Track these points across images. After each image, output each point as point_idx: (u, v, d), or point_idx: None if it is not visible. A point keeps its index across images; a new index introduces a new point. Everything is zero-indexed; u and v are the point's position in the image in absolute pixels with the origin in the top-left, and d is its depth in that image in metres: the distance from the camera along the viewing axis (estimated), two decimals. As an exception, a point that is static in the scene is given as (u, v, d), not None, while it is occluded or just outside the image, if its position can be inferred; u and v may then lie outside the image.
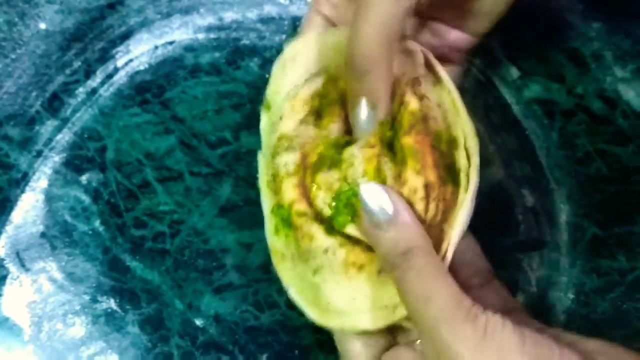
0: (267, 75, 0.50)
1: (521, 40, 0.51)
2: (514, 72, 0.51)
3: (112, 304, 0.45)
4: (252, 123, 0.49)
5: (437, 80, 0.42)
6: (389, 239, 0.36)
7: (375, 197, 0.37)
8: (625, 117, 0.50)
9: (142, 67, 0.50)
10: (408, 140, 0.40)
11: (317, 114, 0.43)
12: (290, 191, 0.41)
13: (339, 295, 0.39)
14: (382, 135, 0.41)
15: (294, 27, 0.52)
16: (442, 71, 0.42)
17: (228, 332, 0.46)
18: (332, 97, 0.42)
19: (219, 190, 0.48)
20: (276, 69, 0.44)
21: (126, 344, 0.44)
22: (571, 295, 0.47)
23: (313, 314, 0.39)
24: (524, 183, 0.49)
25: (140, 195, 0.48)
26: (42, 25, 0.51)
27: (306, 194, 0.41)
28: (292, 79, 0.44)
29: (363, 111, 0.40)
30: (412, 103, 0.41)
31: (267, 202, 0.43)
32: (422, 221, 0.38)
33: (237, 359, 0.46)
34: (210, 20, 0.51)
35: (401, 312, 0.38)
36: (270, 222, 0.42)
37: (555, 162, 0.49)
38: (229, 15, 0.51)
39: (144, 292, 0.45)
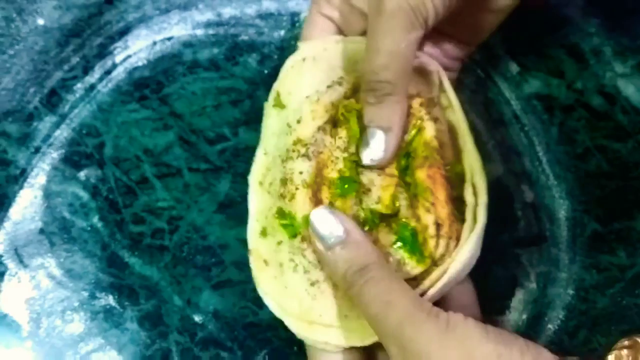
0: (265, 71, 0.50)
1: (521, 36, 0.51)
2: (514, 68, 0.51)
3: (110, 300, 0.45)
4: (250, 119, 0.49)
5: (449, 103, 0.43)
6: (343, 260, 0.37)
7: (324, 222, 0.38)
8: (624, 112, 0.50)
9: (140, 63, 0.50)
10: (421, 175, 0.40)
11: (333, 123, 0.43)
12: (306, 203, 0.41)
13: (332, 310, 0.40)
14: (397, 163, 0.41)
15: (293, 22, 0.52)
16: (453, 95, 0.42)
17: (227, 328, 0.46)
18: (353, 107, 0.42)
19: (218, 186, 0.48)
20: (290, 67, 0.44)
21: (125, 340, 0.44)
22: (571, 291, 0.47)
23: (294, 325, 0.40)
24: (523, 179, 0.49)
25: (138, 191, 0.48)
26: (40, 21, 0.51)
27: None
28: (311, 82, 0.44)
29: (379, 137, 0.40)
30: (429, 129, 0.41)
31: (258, 202, 0.43)
32: (431, 258, 0.39)
33: (236, 355, 0.46)
34: (208, 16, 0.51)
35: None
36: (256, 223, 0.42)
37: (555, 157, 0.49)
38: (228, 11, 0.51)
39: (142, 288, 0.45)
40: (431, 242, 0.39)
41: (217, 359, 0.46)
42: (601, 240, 0.47)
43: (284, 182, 0.42)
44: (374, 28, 0.38)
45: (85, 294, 0.45)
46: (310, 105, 0.43)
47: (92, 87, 0.50)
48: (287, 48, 0.51)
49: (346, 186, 0.41)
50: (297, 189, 0.41)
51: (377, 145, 0.40)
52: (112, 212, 0.47)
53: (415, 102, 0.42)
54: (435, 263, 0.39)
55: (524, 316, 0.46)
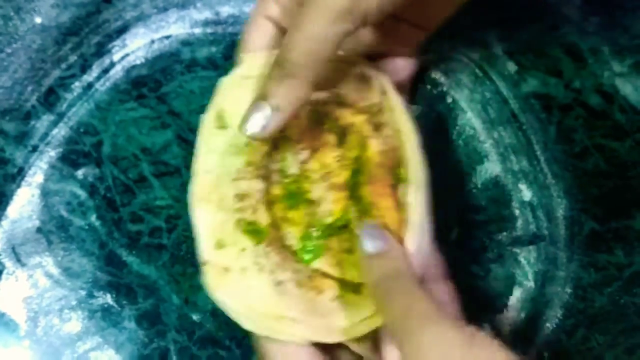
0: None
1: (519, 35, 0.51)
2: (512, 67, 0.51)
3: (108, 299, 0.45)
4: (249, 118, 0.49)
5: (393, 106, 0.43)
6: (378, 266, 0.39)
7: (372, 238, 0.39)
8: (622, 111, 0.50)
9: (138, 62, 0.50)
10: (366, 191, 0.42)
11: (274, 145, 0.44)
12: (266, 216, 0.42)
13: (299, 307, 0.41)
14: (347, 180, 0.43)
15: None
16: (397, 98, 0.43)
17: (225, 327, 0.46)
18: (292, 131, 0.43)
19: (216, 185, 0.48)
20: (232, 85, 0.44)
21: (123, 339, 0.44)
22: (569, 290, 0.47)
23: (262, 320, 0.41)
24: (521, 177, 0.49)
25: (136, 190, 0.47)
26: (38, 20, 0.51)
27: (274, 223, 0.42)
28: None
29: (262, 113, 0.40)
30: (373, 146, 0.43)
31: (208, 218, 0.43)
32: None
33: (234, 354, 0.46)
34: (207, 14, 0.51)
35: (353, 333, 0.40)
36: (209, 238, 0.42)
37: (553, 156, 0.49)
38: (226, 10, 0.51)
39: (140, 287, 0.45)
40: None
41: (216, 358, 0.46)
42: (599, 239, 0.48)
43: (241, 197, 0.43)
44: (303, 11, 0.38)
45: (83, 292, 0.45)
46: None
47: (90, 85, 0.50)
48: (285, 47, 0.51)
49: (293, 201, 0.43)
50: (257, 201, 0.43)
51: (257, 119, 0.40)
52: (110, 211, 0.47)
53: (360, 119, 0.43)
54: None
55: (522, 315, 0.46)
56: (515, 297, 0.46)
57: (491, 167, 0.49)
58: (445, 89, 0.51)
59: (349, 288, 0.41)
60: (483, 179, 0.49)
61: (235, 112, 0.43)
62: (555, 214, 0.48)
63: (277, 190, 0.43)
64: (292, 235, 0.43)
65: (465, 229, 0.48)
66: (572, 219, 0.48)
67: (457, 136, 0.50)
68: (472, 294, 0.46)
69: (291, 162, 0.44)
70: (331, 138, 0.44)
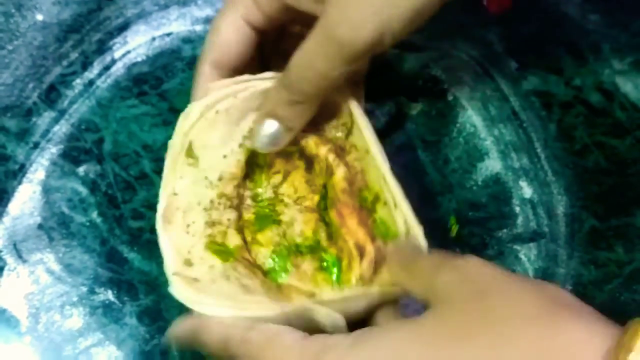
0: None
1: (519, 33, 0.51)
2: (512, 65, 0.51)
3: (109, 295, 0.45)
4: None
5: (360, 128, 0.44)
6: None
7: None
8: (623, 109, 0.50)
9: (139, 59, 0.51)
10: (334, 215, 0.44)
11: (245, 175, 0.45)
12: (236, 240, 0.44)
13: (264, 303, 0.41)
14: (317, 203, 0.45)
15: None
16: (364, 122, 0.44)
17: (226, 323, 0.46)
18: (261, 162, 0.45)
19: (217, 182, 0.48)
20: (202, 117, 0.44)
21: (124, 335, 0.44)
22: (569, 287, 0.47)
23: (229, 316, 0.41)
24: (521, 175, 0.49)
25: (137, 186, 0.48)
26: (39, 17, 0.51)
27: (244, 246, 0.44)
28: (225, 138, 0.45)
29: (276, 128, 0.42)
30: (339, 172, 0.44)
31: (175, 239, 0.43)
32: (365, 281, 0.42)
33: (235, 350, 0.46)
34: (207, 11, 0.51)
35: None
36: (177, 256, 0.42)
37: (553, 154, 0.49)
38: (227, 7, 0.51)
39: (142, 283, 0.46)
40: (357, 265, 0.42)
41: (216, 354, 0.46)
42: (599, 237, 0.48)
43: (211, 224, 0.44)
44: (317, 43, 0.38)
45: (84, 289, 0.45)
46: (228, 167, 0.45)
47: (91, 82, 0.50)
48: (286, 44, 0.51)
49: (262, 223, 0.45)
50: (227, 227, 0.44)
51: (269, 137, 0.42)
52: (111, 208, 0.47)
53: (323, 150, 0.44)
54: (371, 278, 0.42)
55: (523, 312, 0.46)
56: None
57: (492, 165, 0.49)
58: (445, 86, 0.51)
59: (319, 302, 0.41)
60: (483, 176, 0.49)
61: (205, 146, 0.44)
62: (556, 211, 0.48)
63: (248, 216, 0.45)
64: (262, 255, 0.44)
65: (466, 226, 0.48)
66: (572, 216, 0.48)
67: (457, 133, 0.50)
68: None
69: (265, 186, 0.45)
70: (300, 163, 0.46)
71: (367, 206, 0.45)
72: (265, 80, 0.44)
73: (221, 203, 0.45)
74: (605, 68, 0.51)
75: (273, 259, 0.44)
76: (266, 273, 0.44)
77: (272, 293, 0.42)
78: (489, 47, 0.51)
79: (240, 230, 0.45)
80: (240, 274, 0.43)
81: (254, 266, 0.44)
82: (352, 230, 0.44)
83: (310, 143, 0.45)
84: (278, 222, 0.45)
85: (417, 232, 0.44)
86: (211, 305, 0.41)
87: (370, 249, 0.43)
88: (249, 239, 0.45)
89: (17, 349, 0.44)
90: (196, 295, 0.41)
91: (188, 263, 0.43)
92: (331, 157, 0.45)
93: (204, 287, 0.42)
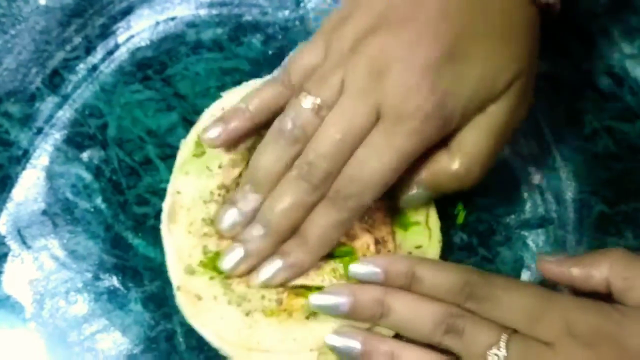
0: (269, 52, 0.51)
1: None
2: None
3: (114, 281, 0.46)
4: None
5: None
6: None
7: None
8: (632, 93, 0.50)
9: (143, 44, 0.51)
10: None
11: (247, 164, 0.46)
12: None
13: (268, 336, 0.42)
14: None
15: (297, 3, 0.52)
16: None
17: (232, 309, 0.46)
18: None
19: (222, 167, 0.48)
20: (211, 115, 0.47)
21: (129, 321, 0.45)
22: (577, 273, 0.47)
23: (234, 352, 0.42)
24: (530, 160, 0.49)
25: (142, 172, 0.48)
26: (42, 1, 0.51)
27: None
28: None
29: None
30: None
31: (178, 240, 0.44)
32: None
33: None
34: (211, -5, 0.52)
35: (323, 358, 0.42)
36: (179, 262, 0.44)
37: (562, 139, 0.49)
38: (231, -9, 0.51)
39: (146, 269, 0.46)
40: None
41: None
42: (608, 222, 0.48)
43: (208, 222, 0.45)
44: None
45: (89, 275, 0.46)
46: (229, 154, 0.46)
47: (94, 67, 0.50)
48: (291, 28, 0.52)
49: None
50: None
51: (272, 270, 0.43)
52: (116, 194, 0.47)
53: None
54: None
55: (531, 298, 0.46)
56: (524, 280, 0.47)
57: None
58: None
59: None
60: (491, 162, 0.49)
61: None
62: (564, 196, 0.48)
63: None
64: None
65: (473, 212, 0.48)
66: (581, 202, 0.48)
67: (465, 119, 0.50)
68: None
69: None
70: None
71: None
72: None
73: (220, 195, 0.45)
74: (615, 52, 0.51)
75: None
76: None
77: (274, 315, 0.43)
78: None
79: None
80: (236, 295, 0.43)
81: (250, 271, 0.44)
82: (378, 222, 0.45)
83: None
84: None
85: (436, 219, 0.45)
86: (212, 335, 0.43)
87: (392, 246, 0.45)
88: None
89: (22, 335, 0.45)
90: (198, 318, 0.43)
91: (190, 271, 0.44)
92: None
93: (206, 311, 0.43)
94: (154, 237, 0.46)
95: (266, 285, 0.43)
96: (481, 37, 0.40)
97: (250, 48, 0.51)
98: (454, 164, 0.42)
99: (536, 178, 0.49)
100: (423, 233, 0.45)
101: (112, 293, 0.45)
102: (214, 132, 0.45)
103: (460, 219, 0.48)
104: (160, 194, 0.47)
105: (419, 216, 0.46)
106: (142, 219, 0.47)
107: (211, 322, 0.43)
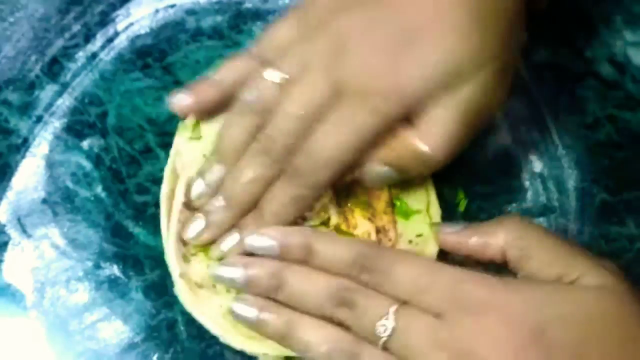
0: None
1: (530, 4, 0.51)
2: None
3: (115, 270, 0.46)
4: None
5: None
6: None
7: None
8: (635, 82, 0.50)
9: (143, 31, 0.51)
10: (356, 188, 0.45)
11: None
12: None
13: None
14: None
15: (298, -10, 0.52)
16: None
17: (233, 298, 0.46)
18: None
19: (222, 156, 0.48)
20: None
21: (130, 310, 0.45)
22: (579, 262, 0.47)
23: (233, 339, 0.42)
24: (531, 149, 0.49)
25: (142, 161, 0.48)
26: (41, -12, 0.51)
27: None
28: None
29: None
30: None
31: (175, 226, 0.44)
32: None
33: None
34: (211, -18, 0.51)
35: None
36: (177, 249, 0.44)
37: (564, 127, 0.49)
38: (231, -22, 0.51)
39: (147, 258, 0.46)
40: None
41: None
42: (610, 211, 0.48)
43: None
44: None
45: (90, 263, 0.46)
46: None
47: (94, 55, 0.50)
48: (292, 16, 0.51)
49: None
50: None
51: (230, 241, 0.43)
52: (116, 182, 0.47)
53: None
54: None
55: (532, 287, 0.46)
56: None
57: (501, 138, 0.49)
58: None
59: None
60: (493, 150, 0.49)
61: (210, 124, 0.45)
62: (566, 185, 0.48)
63: None
64: None
65: (474, 201, 0.48)
66: (583, 191, 0.48)
67: (466, 107, 0.50)
68: (481, 267, 0.46)
69: None
70: None
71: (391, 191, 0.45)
72: None
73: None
74: (618, 40, 0.51)
75: None
76: None
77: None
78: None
79: None
80: None
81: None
82: (379, 211, 0.45)
83: None
84: None
85: (436, 207, 0.45)
86: (211, 323, 0.43)
87: (393, 235, 0.45)
88: None
89: (22, 324, 0.45)
90: (197, 306, 0.43)
91: (185, 259, 0.44)
92: None
93: (205, 300, 0.43)
94: (155, 225, 0.46)
95: (224, 257, 0.43)
96: (448, 19, 0.40)
97: (250, 36, 0.51)
98: (418, 143, 0.41)
99: (538, 166, 0.49)
100: (424, 221, 0.46)
101: (112, 282, 0.46)
102: (182, 99, 0.45)
103: (462, 207, 0.48)
104: (161, 182, 0.47)
105: (420, 205, 0.46)
106: (143, 208, 0.47)
107: (211, 310, 0.43)
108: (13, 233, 0.46)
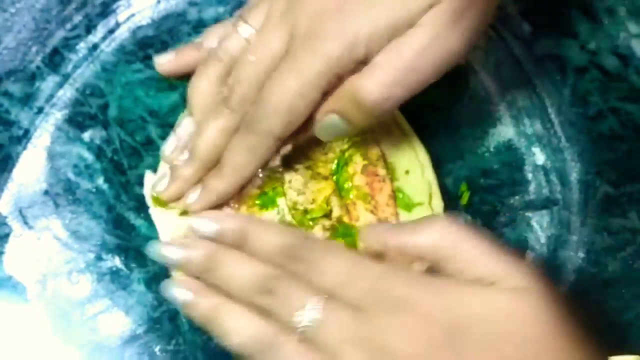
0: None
1: (533, -5, 0.51)
2: (526, 28, 0.51)
3: (117, 262, 0.46)
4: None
5: None
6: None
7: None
8: (638, 73, 0.50)
9: (144, 22, 0.50)
10: (360, 181, 0.45)
11: None
12: None
13: None
14: (332, 171, 0.45)
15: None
16: None
17: (234, 290, 0.47)
18: None
19: (224, 147, 0.48)
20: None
21: (132, 302, 0.45)
22: (581, 254, 0.47)
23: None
24: (534, 141, 0.49)
25: (144, 152, 0.48)
26: (42, -21, 0.51)
27: None
28: None
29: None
30: (370, 142, 0.45)
31: (166, 221, 0.45)
32: None
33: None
34: (213, -27, 0.51)
35: None
36: (174, 234, 0.44)
37: (567, 119, 0.49)
38: (233, -31, 0.51)
39: (149, 250, 0.46)
40: None
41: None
42: (613, 203, 0.48)
43: None
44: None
45: (92, 255, 0.46)
46: None
47: (95, 46, 0.50)
48: (294, 7, 0.51)
49: (259, 202, 0.45)
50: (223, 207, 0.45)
51: (193, 196, 0.44)
52: (118, 174, 0.47)
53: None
54: None
55: (534, 279, 0.46)
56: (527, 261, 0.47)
57: (504, 130, 0.49)
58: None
59: None
60: (496, 142, 0.49)
61: None
62: (569, 177, 0.48)
63: (250, 189, 0.45)
64: None
65: (477, 193, 0.48)
66: (586, 183, 0.48)
67: (469, 99, 0.50)
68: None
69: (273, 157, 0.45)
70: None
71: (395, 177, 0.46)
72: None
73: None
74: (621, 31, 0.51)
75: None
76: None
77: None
78: (502, 9, 0.51)
79: (236, 207, 0.45)
80: None
81: None
82: (381, 203, 0.45)
83: None
84: (283, 194, 0.45)
85: (439, 200, 0.45)
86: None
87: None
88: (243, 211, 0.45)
89: (24, 316, 0.45)
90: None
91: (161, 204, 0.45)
92: None
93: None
94: (157, 217, 0.46)
95: (188, 211, 0.44)
96: None
97: (252, 27, 0.50)
98: (362, 89, 0.39)
99: (540, 159, 0.49)
100: (426, 214, 0.46)
101: (114, 274, 0.46)
102: (165, 58, 0.47)
103: (464, 199, 0.48)
104: (163, 174, 0.47)
105: (423, 197, 0.46)
106: (144, 200, 0.47)
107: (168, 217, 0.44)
108: (15, 225, 0.46)
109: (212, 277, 0.41)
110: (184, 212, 0.44)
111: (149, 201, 0.46)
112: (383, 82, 0.39)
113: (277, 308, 0.38)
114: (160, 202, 0.45)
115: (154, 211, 0.45)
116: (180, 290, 0.41)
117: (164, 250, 0.42)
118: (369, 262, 0.38)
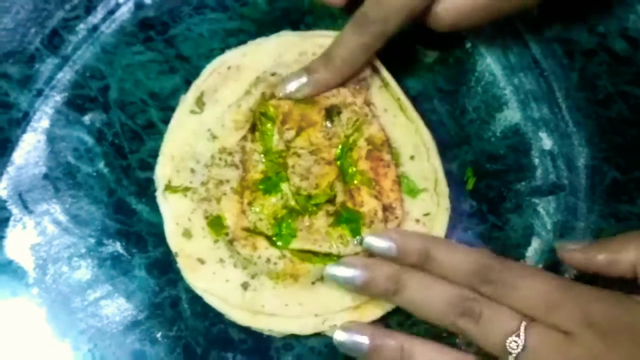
0: (275, 13, 0.50)
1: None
2: (534, 11, 0.50)
3: (118, 247, 0.46)
4: (260, 62, 0.48)
5: (384, 83, 0.47)
6: None
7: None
8: (648, 57, 0.50)
9: (145, 3, 0.50)
10: (364, 166, 0.45)
11: (252, 128, 0.46)
12: (234, 207, 0.45)
13: (273, 300, 0.44)
14: (337, 155, 0.45)
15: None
16: (388, 75, 0.47)
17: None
18: (271, 114, 0.46)
19: (226, 131, 0.48)
20: (215, 72, 0.48)
21: (133, 287, 0.45)
22: (588, 241, 0.47)
23: (239, 315, 0.44)
24: (541, 125, 0.49)
25: (145, 136, 0.48)
26: (40, -42, 0.50)
27: (242, 210, 0.45)
28: (233, 92, 0.47)
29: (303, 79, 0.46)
30: (374, 125, 0.46)
31: (173, 205, 0.45)
32: None
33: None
34: (215, -47, 0.51)
35: (328, 324, 0.43)
36: (176, 226, 0.45)
37: (575, 103, 0.49)
38: (236, -51, 0.50)
39: (150, 235, 0.46)
40: (379, 226, 0.44)
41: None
42: (621, 189, 0.48)
43: (206, 185, 0.45)
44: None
45: (92, 240, 0.46)
46: (231, 115, 0.46)
47: (95, 27, 0.50)
48: (297, -12, 0.51)
49: (268, 187, 0.45)
50: (224, 194, 0.45)
51: (297, 84, 0.46)
52: (118, 158, 0.47)
53: (359, 100, 0.46)
54: None
55: (540, 266, 0.47)
56: (534, 248, 0.47)
57: (511, 115, 0.49)
58: (463, 33, 0.50)
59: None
60: (502, 127, 0.49)
61: (217, 100, 0.47)
62: (576, 163, 0.48)
63: (254, 174, 0.45)
64: (264, 222, 0.44)
65: (483, 179, 0.48)
66: (593, 168, 0.48)
67: (475, 82, 0.50)
68: (489, 245, 0.46)
69: (277, 140, 0.46)
70: (318, 118, 0.46)
71: (399, 162, 0.46)
72: (279, 37, 0.48)
73: (221, 159, 0.45)
74: (630, 14, 0.51)
75: (279, 224, 0.44)
76: (268, 238, 0.44)
77: (280, 279, 0.44)
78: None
79: (240, 191, 0.45)
80: (242, 257, 0.44)
81: (256, 234, 0.44)
82: (386, 189, 0.45)
83: (346, 91, 0.46)
84: (286, 179, 0.45)
85: (444, 186, 0.45)
86: (216, 299, 0.44)
87: (400, 213, 0.45)
88: (247, 200, 0.45)
89: (25, 301, 0.45)
90: (201, 282, 0.44)
91: (187, 235, 0.45)
92: (366, 109, 0.46)
93: (209, 275, 0.44)
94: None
95: (290, 97, 0.46)
96: None
97: (255, 8, 0.50)
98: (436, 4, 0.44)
99: (548, 144, 0.49)
100: (431, 200, 0.46)
101: (115, 259, 0.46)
102: None
103: (470, 185, 0.48)
104: (164, 158, 0.47)
105: (428, 183, 0.46)
106: (145, 184, 0.47)
107: (215, 285, 0.44)
108: (14, 209, 0.46)
109: (399, 299, 0.41)
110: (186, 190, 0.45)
111: (159, 185, 0.45)
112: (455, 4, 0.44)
113: (483, 332, 0.38)
114: (171, 188, 0.45)
115: (161, 196, 0.45)
116: (360, 337, 0.41)
117: (343, 272, 0.41)
118: (572, 284, 0.39)
